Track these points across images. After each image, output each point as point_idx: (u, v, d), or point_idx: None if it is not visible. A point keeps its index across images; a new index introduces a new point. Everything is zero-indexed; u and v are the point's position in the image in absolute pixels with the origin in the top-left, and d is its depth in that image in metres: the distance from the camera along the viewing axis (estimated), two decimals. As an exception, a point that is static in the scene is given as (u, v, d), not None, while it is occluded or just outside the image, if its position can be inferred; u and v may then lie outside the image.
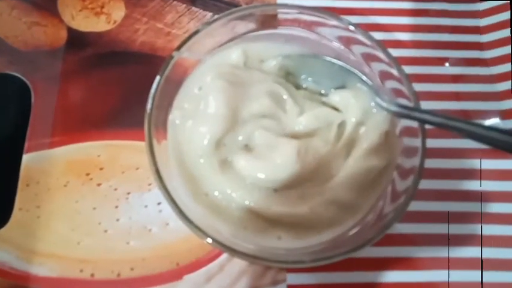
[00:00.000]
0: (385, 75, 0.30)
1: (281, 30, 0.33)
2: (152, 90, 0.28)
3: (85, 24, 0.41)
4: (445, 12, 0.42)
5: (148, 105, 0.28)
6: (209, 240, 0.26)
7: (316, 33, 0.32)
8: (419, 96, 0.29)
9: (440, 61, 0.40)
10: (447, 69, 0.40)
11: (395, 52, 0.36)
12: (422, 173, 0.27)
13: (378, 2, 0.42)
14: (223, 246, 0.25)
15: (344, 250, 0.24)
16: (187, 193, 0.28)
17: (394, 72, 0.29)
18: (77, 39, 0.40)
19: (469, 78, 0.40)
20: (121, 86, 0.39)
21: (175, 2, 0.42)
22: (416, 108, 0.28)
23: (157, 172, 0.26)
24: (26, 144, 0.36)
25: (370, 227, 0.27)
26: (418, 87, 0.34)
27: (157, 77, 0.29)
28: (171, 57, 0.29)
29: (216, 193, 0.28)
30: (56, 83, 0.38)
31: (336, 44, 0.32)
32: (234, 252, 0.25)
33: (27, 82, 0.37)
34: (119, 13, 0.42)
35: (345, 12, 0.41)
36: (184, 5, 0.42)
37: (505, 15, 0.41)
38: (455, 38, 0.42)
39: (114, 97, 0.38)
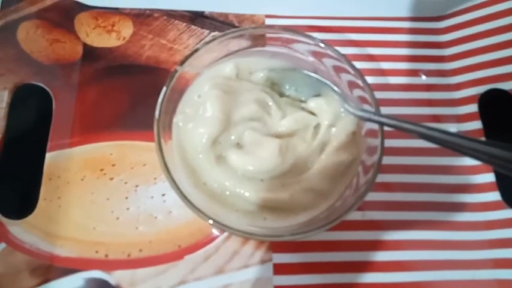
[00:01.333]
0: (352, 85, 0.36)
1: (268, 48, 0.37)
2: (160, 99, 0.33)
3: (98, 41, 0.45)
4: (414, 30, 0.47)
5: (157, 112, 0.33)
6: (210, 221, 0.30)
7: (294, 50, 0.37)
8: (384, 103, 0.34)
9: (408, 73, 0.45)
10: (413, 79, 0.46)
11: (365, 65, 0.42)
12: (380, 168, 0.31)
13: (353, 21, 0.47)
14: (220, 225, 0.30)
15: (315, 227, 0.30)
16: (189, 183, 0.32)
17: (359, 82, 0.35)
18: (91, 54, 0.44)
19: (431, 87, 0.45)
20: (129, 94, 0.41)
21: (176, 21, 0.47)
22: (375, 113, 0.33)
23: (166, 166, 0.31)
24: (49, 144, 0.38)
25: (336, 211, 0.31)
26: (386, 95, 0.40)
27: (164, 88, 0.34)
28: (175, 71, 0.35)
29: (213, 183, 0.32)
30: (74, 91, 0.42)
31: (311, 58, 0.37)
32: (229, 229, 0.29)
33: (49, 90, 0.41)
34: (127, 31, 0.45)
35: (325, 30, 0.46)
36: (184, 24, 0.47)
37: (463, 32, 0.46)
38: (421, 52, 0.47)
39: (123, 103, 0.41)
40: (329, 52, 0.35)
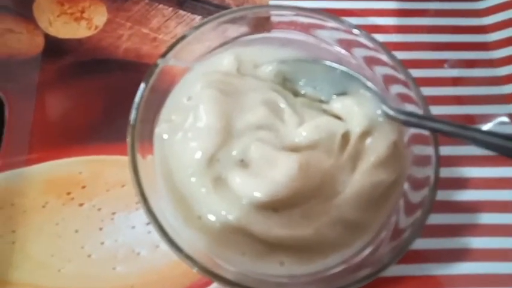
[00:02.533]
0: (389, 80, 0.28)
1: (276, 34, 0.31)
2: (136, 100, 0.26)
3: (64, 31, 0.38)
4: (445, 12, 0.40)
5: (132, 117, 0.26)
6: (195, 270, 0.23)
7: (314, 36, 0.30)
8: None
9: (440, 63, 0.38)
10: (448, 71, 0.38)
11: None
12: (438, 182, 0.25)
13: (375, 2, 0.40)
14: (212, 276, 0.23)
15: (362, 275, 0.22)
16: (176, 216, 0.25)
17: (400, 76, 0.27)
18: (55, 47, 0.38)
19: (471, 81, 0.38)
20: (104, 97, 0.36)
21: (161, 6, 0.40)
22: (428, 117, 0.25)
23: (141, 192, 0.24)
24: None
25: (385, 245, 0.24)
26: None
27: (142, 86, 0.27)
28: (156, 65, 0.27)
29: (210, 215, 0.26)
30: (32, 95, 0.35)
31: (336, 48, 0.30)
32: (232, 285, 0.23)
33: (0, 94, 0.35)
34: (100, 18, 0.39)
35: (341, 13, 0.39)
36: (171, 9, 0.40)
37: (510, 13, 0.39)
38: (456, 38, 0.40)
39: (96, 109, 0.36)
40: (361, 40, 0.27)
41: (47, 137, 0.34)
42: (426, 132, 0.26)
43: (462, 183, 0.33)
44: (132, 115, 0.26)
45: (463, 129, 0.23)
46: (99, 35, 0.38)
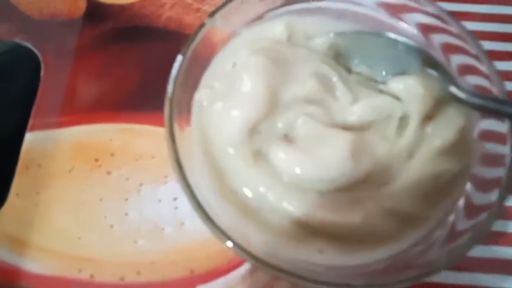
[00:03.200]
0: (465, 70, 0.25)
1: (333, 4, 0.28)
2: (176, 65, 0.24)
3: None
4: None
5: (170, 85, 0.24)
6: (229, 243, 0.21)
7: (385, 12, 0.27)
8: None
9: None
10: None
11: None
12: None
13: None
14: (246, 253, 0.20)
15: (409, 275, 0.19)
16: (211, 188, 0.23)
17: (482, 67, 0.24)
18: (96, 11, 0.37)
19: None
20: (142, 65, 0.35)
21: None
22: (509, 101, 0.22)
23: (178, 161, 0.22)
24: (31, 122, 0.32)
25: (439, 246, 0.21)
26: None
27: (184, 50, 0.24)
28: (203, 25, 0.25)
29: (247, 191, 0.23)
30: (69, 57, 0.34)
31: (413, 31, 0.27)
32: (259, 261, 0.20)
33: (38, 54, 0.34)
34: None
35: None
36: None
37: None
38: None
39: (133, 76, 0.34)
40: (447, 26, 0.24)
41: (80, 101, 0.33)
42: (502, 129, 0.23)
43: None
44: (171, 80, 0.24)
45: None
46: (142, 2, 0.37)
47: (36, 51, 0.34)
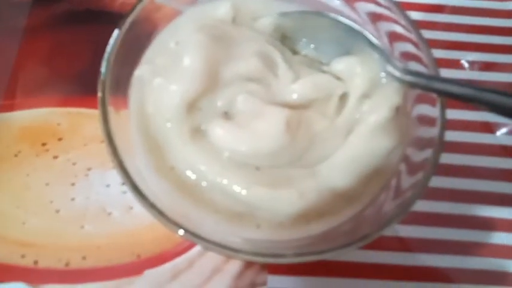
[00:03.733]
0: (395, 37, 0.25)
1: None
2: (111, 42, 0.23)
3: None
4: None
5: (104, 62, 0.23)
6: (180, 231, 0.20)
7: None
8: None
9: (462, 46, 0.35)
10: (469, 56, 0.35)
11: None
12: (435, 168, 0.22)
13: None
14: (192, 236, 0.20)
15: (333, 245, 0.19)
16: (148, 165, 0.23)
17: (411, 35, 0.24)
18: (49, -7, 0.36)
19: (495, 67, 0.35)
20: (92, 48, 0.34)
21: None
22: (438, 77, 0.22)
23: (109, 136, 0.21)
24: None
25: (367, 222, 0.22)
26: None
27: (121, 25, 0.24)
28: (140, 0, 0.24)
29: (184, 167, 0.23)
30: (17, 38, 0.33)
31: (342, 5, 0.27)
32: (205, 242, 0.20)
33: None
34: None
35: None
36: None
37: None
38: (480, 21, 0.37)
39: (83, 59, 0.34)
40: (393, 15, 0.25)
41: (27, 83, 0.32)
42: (433, 113, 0.23)
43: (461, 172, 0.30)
44: (105, 60, 0.23)
45: (479, 91, 0.20)
46: (97, -14, 0.36)
47: (-19, 31, 0.33)
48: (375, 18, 0.26)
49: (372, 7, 0.25)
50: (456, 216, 0.29)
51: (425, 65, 0.24)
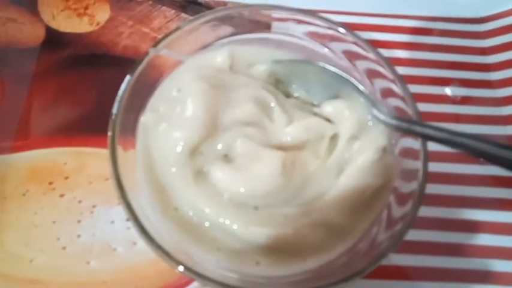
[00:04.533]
0: (386, 93, 0.27)
1: (273, 35, 0.31)
2: (121, 89, 0.25)
3: (65, 25, 0.38)
4: (449, 32, 0.40)
5: (115, 107, 0.25)
6: (180, 267, 0.21)
7: (318, 43, 0.30)
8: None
9: (442, 82, 0.38)
10: (449, 90, 0.38)
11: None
12: (423, 198, 0.24)
13: (379, 19, 0.40)
14: (193, 273, 0.21)
15: (331, 281, 0.20)
16: (154, 207, 0.24)
17: (398, 90, 0.26)
18: (55, 39, 0.38)
19: (472, 101, 0.37)
20: (97, 90, 0.36)
21: (164, 7, 0.40)
22: (418, 122, 0.24)
23: (118, 180, 0.23)
24: None
25: (361, 255, 0.23)
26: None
27: (127, 77, 0.26)
28: (146, 54, 0.26)
29: (187, 208, 0.24)
30: (26, 83, 0.35)
31: (340, 56, 0.29)
32: (205, 279, 0.21)
33: None
34: (103, 15, 0.39)
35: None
36: (173, 11, 0.40)
37: (510, 37, 0.39)
38: (458, 58, 0.39)
39: (88, 101, 0.35)
40: (368, 54, 0.27)
41: (36, 125, 0.34)
42: (416, 146, 0.25)
43: (450, 201, 0.32)
44: (116, 103, 0.25)
45: (454, 136, 0.22)
46: (100, 31, 0.38)
47: (-8, 77, 0.35)
48: (371, 74, 0.28)
49: (367, 64, 0.28)
50: (451, 244, 0.31)
51: (404, 102, 0.26)
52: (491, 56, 0.39)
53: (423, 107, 0.31)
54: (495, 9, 0.41)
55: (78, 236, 0.31)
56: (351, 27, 0.38)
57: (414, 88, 0.36)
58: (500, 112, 0.36)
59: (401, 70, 0.37)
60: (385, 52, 0.38)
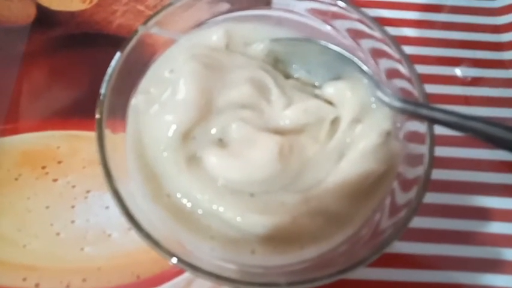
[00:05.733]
0: (392, 74, 0.26)
1: (272, 12, 0.29)
2: (109, 70, 0.24)
3: (57, 2, 0.37)
4: (460, 9, 0.38)
5: (103, 88, 0.24)
6: (173, 259, 0.21)
7: (320, 20, 0.28)
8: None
9: (451, 61, 0.36)
10: (459, 70, 0.36)
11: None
12: (428, 184, 0.23)
13: None
14: (185, 264, 0.20)
15: (331, 271, 0.20)
16: (145, 193, 0.23)
17: (404, 70, 0.25)
18: (46, 18, 0.36)
19: (483, 82, 0.35)
20: (90, 71, 0.34)
21: None
22: (425, 104, 0.23)
23: (106, 165, 0.22)
24: None
25: (363, 244, 0.22)
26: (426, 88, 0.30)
27: (117, 55, 0.24)
28: (136, 32, 0.25)
29: (180, 195, 0.24)
30: (16, 64, 0.34)
31: (343, 34, 0.28)
32: (197, 270, 0.20)
33: None
34: None
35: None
36: None
37: None
38: (470, 36, 0.37)
39: (82, 83, 0.34)
40: (373, 32, 0.26)
41: (27, 107, 0.33)
42: (422, 130, 0.24)
43: (457, 187, 0.31)
44: (103, 87, 0.24)
45: (463, 119, 0.20)
46: (93, 9, 0.37)
47: (-19, 58, 0.34)
48: (376, 54, 0.26)
49: (372, 43, 0.26)
50: (458, 231, 0.30)
51: (411, 83, 0.24)
52: (505, 34, 0.37)
53: (431, 88, 0.30)
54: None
55: (72, 222, 0.30)
56: (355, 4, 0.37)
57: (422, 69, 0.34)
58: (513, 93, 0.34)
59: (408, 49, 0.36)
60: (392, 30, 0.36)
